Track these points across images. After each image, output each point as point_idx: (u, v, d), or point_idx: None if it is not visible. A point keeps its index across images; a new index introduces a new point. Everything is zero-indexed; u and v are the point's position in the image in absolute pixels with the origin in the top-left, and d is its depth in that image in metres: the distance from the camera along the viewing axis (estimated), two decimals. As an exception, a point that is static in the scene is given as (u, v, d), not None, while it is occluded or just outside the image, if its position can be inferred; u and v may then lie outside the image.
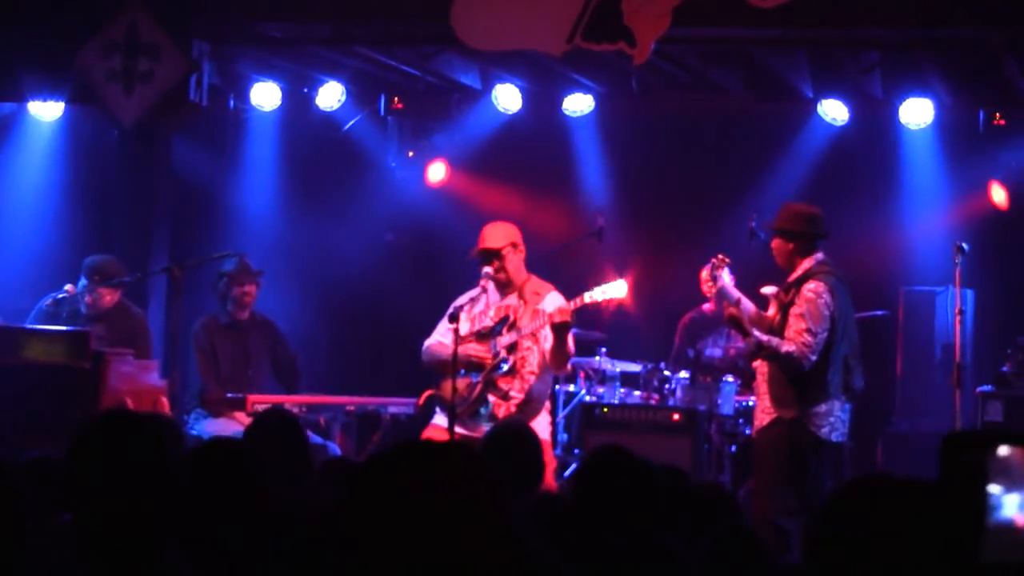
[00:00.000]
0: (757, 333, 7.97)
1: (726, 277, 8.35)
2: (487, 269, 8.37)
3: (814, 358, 7.90)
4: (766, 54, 10.73)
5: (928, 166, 11.81)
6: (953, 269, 8.72)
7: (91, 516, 3.17)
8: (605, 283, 8.21)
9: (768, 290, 8.28)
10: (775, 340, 7.94)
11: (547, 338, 8.25)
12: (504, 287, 8.46)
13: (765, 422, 8.08)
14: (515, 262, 8.47)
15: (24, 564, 3.01)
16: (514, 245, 8.46)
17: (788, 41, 10.11)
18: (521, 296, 8.45)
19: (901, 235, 11.95)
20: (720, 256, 8.38)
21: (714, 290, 8.38)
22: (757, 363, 8.31)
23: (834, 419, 7.99)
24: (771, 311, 8.18)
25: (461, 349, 8.20)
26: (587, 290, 8.19)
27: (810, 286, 7.98)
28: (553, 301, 8.32)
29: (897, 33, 9.64)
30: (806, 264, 8.09)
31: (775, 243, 8.20)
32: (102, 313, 9.62)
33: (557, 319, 8.02)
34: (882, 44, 10.20)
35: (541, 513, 4.34)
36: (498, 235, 8.45)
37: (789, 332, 7.93)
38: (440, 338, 8.55)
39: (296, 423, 5.53)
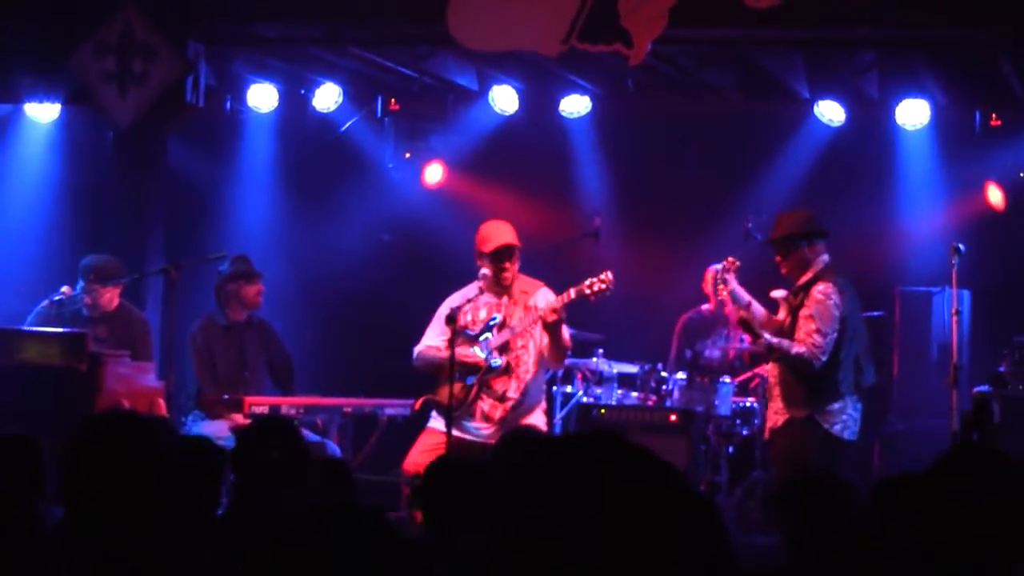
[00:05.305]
0: (767, 336, 8.01)
1: (734, 281, 8.36)
2: (505, 265, 8.32)
3: (824, 358, 7.94)
4: (762, 55, 10.73)
5: (924, 167, 11.80)
6: (949, 269, 8.72)
7: (86, 515, 3.16)
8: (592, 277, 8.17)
9: (777, 294, 8.29)
10: (785, 342, 7.98)
11: (543, 336, 8.24)
12: (503, 287, 8.45)
13: (779, 423, 8.12)
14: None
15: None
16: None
17: (784, 42, 10.11)
18: (510, 295, 8.44)
19: (897, 236, 11.95)
20: (730, 259, 8.39)
21: (724, 293, 8.40)
22: (768, 366, 8.32)
23: (847, 417, 8.01)
24: (781, 314, 8.21)
25: (457, 352, 8.18)
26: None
27: (819, 288, 8.02)
28: (544, 297, 8.31)
29: (893, 33, 9.63)
30: (813, 267, 8.11)
31: (777, 257, 8.21)
32: (104, 315, 9.60)
33: (549, 319, 8.02)
34: (878, 44, 10.20)
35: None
36: (513, 233, 8.44)
37: (799, 334, 7.98)
38: (431, 342, 8.52)
39: (293, 427, 5.35)
